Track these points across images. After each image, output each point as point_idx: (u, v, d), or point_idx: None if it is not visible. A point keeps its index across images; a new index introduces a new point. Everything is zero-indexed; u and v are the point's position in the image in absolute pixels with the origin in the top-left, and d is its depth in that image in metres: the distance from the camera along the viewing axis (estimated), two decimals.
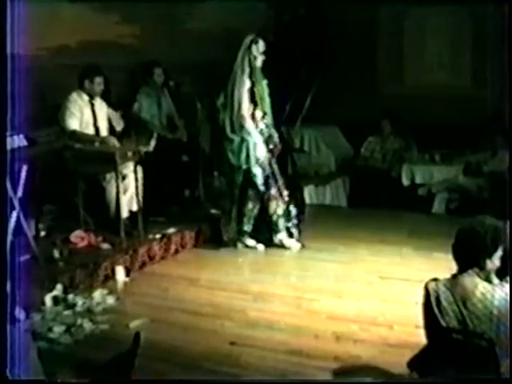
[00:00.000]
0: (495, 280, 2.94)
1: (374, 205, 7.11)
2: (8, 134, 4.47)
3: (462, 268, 2.97)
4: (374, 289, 5.03)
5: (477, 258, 2.92)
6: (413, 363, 3.17)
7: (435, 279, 3.03)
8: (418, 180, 7.61)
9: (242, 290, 5.05)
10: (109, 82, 6.08)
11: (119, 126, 6.17)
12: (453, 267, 3.03)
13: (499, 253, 2.92)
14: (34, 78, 5.33)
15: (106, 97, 6.12)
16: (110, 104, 6.16)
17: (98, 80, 5.91)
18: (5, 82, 3.26)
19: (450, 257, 3.06)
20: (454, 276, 2.99)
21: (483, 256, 2.91)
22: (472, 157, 7.44)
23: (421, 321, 3.18)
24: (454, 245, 3.01)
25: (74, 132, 5.79)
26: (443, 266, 4.32)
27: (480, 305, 2.86)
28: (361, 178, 7.86)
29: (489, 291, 2.88)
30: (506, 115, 7.15)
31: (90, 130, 5.94)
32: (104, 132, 6.03)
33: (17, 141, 4.86)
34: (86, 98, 5.91)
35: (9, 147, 4.59)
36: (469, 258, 2.94)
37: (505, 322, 2.82)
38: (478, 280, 2.91)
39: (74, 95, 5.87)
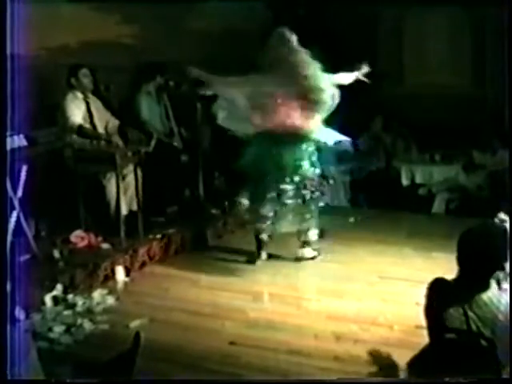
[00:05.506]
0: (504, 284, 2.91)
1: (373, 205, 7.10)
2: (8, 134, 4.48)
3: (470, 277, 2.90)
4: (374, 289, 5.03)
5: (489, 275, 2.87)
6: (413, 363, 3.17)
7: (440, 279, 3.01)
8: (418, 180, 7.60)
9: (242, 290, 5.06)
10: (95, 73, 6.02)
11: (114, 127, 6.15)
12: (452, 267, 3.01)
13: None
14: (34, 78, 5.33)
15: (99, 95, 6.12)
16: (104, 102, 6.14)
17: (83, 72, 5.87)
18: (5, 82, 3.26)
19: (450, 257, 3.03)
20: (460, 277, 2.95)
21: (496, 271, 2.87)
22: (472, 156, 7.43)
23: (421, 321, 3.17)
24: (461, 261, 2.88)
25: (81, 126, 5.79)
26: (443, 265, 4.33)
27: (485, 308, 2.83)
28: (361, 178, 7.85)
29: (495, 295, 2.85)
30: (505, 115, 7.15)
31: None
32: (101, 130, 6.00)
33: (17, 141, 4.87)
34: (80, 95, 5.90)
35: (9, 147, 4.59)
36: (480, 275, 2.88)
37: (507, 325, 2.80)
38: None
39: (70, 95, 5.87)
